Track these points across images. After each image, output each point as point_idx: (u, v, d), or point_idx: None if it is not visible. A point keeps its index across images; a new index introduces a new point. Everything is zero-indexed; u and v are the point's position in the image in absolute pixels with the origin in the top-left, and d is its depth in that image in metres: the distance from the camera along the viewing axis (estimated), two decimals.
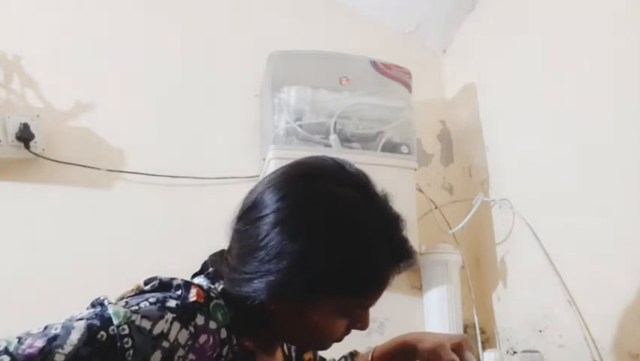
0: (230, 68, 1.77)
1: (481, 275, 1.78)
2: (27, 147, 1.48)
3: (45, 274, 1.46)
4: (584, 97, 1.38)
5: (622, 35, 1.28)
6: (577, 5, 1.43)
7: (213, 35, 1.80)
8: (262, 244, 0.70)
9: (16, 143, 1.47)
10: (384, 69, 1.66)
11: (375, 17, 1.96)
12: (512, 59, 1.68)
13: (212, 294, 0.73)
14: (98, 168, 1.57)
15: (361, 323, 0.78)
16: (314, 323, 0.74)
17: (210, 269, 0.80)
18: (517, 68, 1.65)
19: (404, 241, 0.76)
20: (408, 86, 1.68)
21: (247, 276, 0.71)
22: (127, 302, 0.67)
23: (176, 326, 0.66)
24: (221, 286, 0.76)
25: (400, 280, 1.72)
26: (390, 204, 0.77)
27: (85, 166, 1.55)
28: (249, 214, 0.75)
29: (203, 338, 0.68)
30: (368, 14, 1.96)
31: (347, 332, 0.79)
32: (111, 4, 1.73)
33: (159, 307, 0.66)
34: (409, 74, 1.69)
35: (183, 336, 0.66)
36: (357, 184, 0.75)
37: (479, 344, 1.66)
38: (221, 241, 0.80)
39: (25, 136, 1.47)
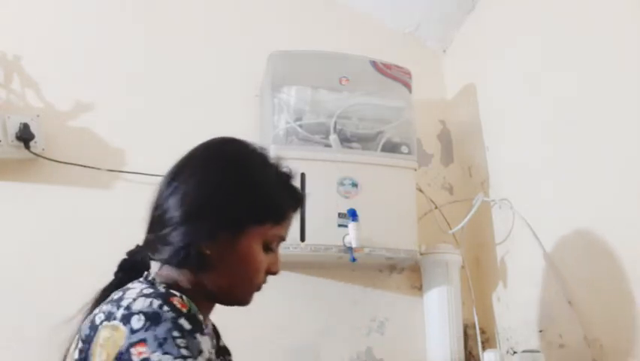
0: (230, 68, 1.77)
1: (481, 275, 1.78)
2: (27, 147, 1.48)
3: (45, 274, 1.46)
4: (584, 97, 1.38)
5: (622, 35, 1.28)
6: (577, 5, 1.43)
7: (213, 35, 1.80)
8: (165, 205, 0.82)
9: (16, 143, 1.47)
10: (384, 69, 1.66)
11: (375, 17, 1.96)
12: (512, 59, 1.68)
13: (177, 292, 0.75)
14: (98, 168, 1.57)
15: (274, 264, 0.86)
16: (242, 255, 0.81)
17: (146, 273, 0.84)
18: (517, 68, 1.65)
19: (288, 169, 0.88)
20: (408, 86, 1.68)
21: (166, 237, 0.79)
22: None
23: (202, 338, 0.71)
24: (163, 284, 0.78)
25: (400, 280, 1.74)
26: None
27: (85, 166, 1.55)
28: (155, 212, 0.86)
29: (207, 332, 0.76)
30: (368, 14, 1.96)
31: (265, 278, 0.86)
32: (111, 4, 1.73)
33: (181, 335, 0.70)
34: (409, 74, 1.69)
35: (207, 344, 0.72)
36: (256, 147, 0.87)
37: (479, 344, 1.66)
38: None
39: (25, 136, 1.47)
